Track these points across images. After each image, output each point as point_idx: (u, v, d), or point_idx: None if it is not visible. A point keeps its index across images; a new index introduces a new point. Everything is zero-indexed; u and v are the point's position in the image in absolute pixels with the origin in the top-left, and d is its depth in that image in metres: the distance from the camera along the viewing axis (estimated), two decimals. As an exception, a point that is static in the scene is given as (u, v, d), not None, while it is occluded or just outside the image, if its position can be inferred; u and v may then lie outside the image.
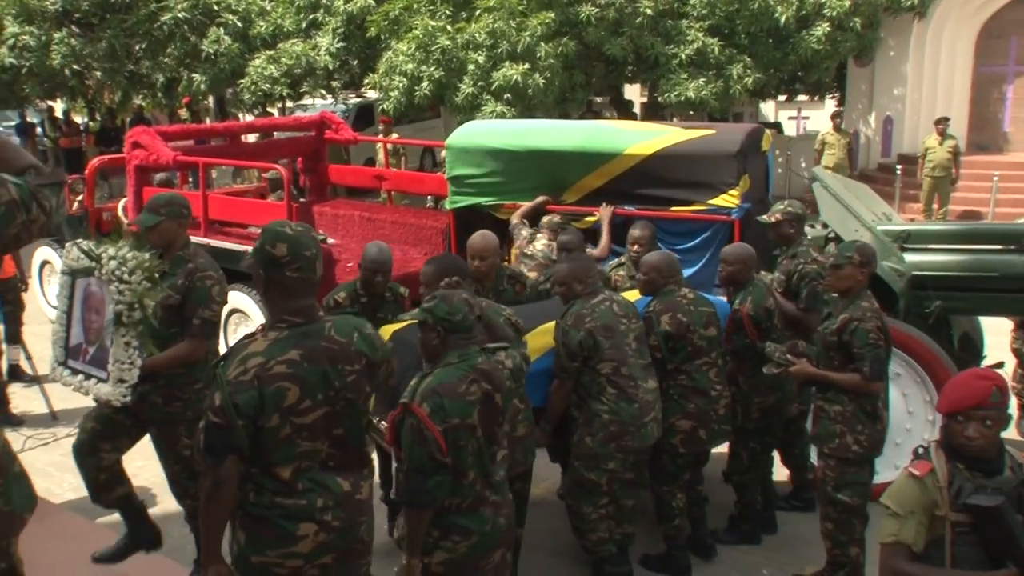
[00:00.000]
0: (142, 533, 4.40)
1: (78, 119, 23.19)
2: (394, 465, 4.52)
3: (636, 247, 5.59)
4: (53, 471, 5.58)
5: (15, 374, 7.82)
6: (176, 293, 4.03)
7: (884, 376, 4.32)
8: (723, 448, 5.21)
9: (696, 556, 4.91)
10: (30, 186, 2.28)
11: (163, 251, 4.09)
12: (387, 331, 4.24)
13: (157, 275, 3.95)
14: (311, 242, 2.88)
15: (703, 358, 4.70)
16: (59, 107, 23.35)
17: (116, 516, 4.53)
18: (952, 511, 2.69)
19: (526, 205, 6.48)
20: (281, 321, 2.83)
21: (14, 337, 7.72)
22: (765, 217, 5.58)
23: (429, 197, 11.72)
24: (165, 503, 5.22)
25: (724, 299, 5.27)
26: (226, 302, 4.34)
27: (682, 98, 13.21)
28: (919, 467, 2.77)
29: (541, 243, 5.98)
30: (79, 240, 4.14)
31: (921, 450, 2.86)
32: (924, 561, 2.74)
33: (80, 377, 4.09)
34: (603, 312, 4.42)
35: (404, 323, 4.33)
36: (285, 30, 15.43)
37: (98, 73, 16.60)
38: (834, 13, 13.60)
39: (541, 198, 6.48)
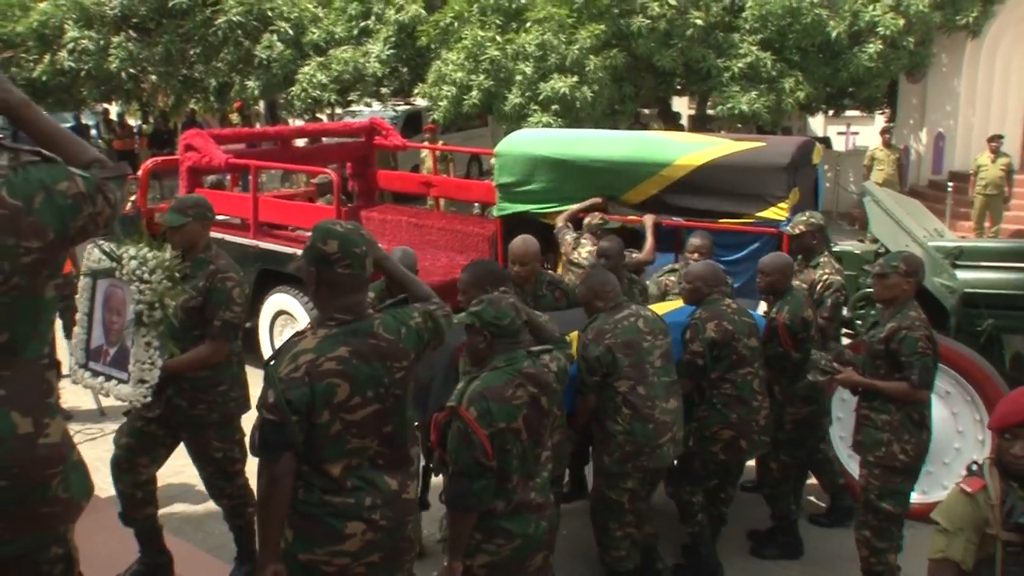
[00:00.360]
0: (156, 558, 4.41)
1: (132, 122, 23.67)
2: (421, 463, 4.54)
3: (696, 255, 5.57)
4: (100, 466, 5.65)
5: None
6: (197, 295, 4.04)
7: (932, 385, 4.30)
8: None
9: None
10: (96, 179, 2.34)
11: (185, 252, 4.09)
12: None
13: (178, 275, 3.92)
14: (361, 240, 2.90)
15: (746, 368, 4.66)
16: (114, 110, 23.84)
17: (163, 510, 4.59)
18: (1004, 530, 2.67)
19: (574, 207, 6.48)
20: (331, 319, 2.86)
21: (70, 332, 7.89)
22: (788, 228, 5.56)
23: (476, 204, 11.77)
24: (208, 502, 5.32)
25: (760, 312, 5.25)
26: (246, 304, 4.31)
27: (735, 111, 13.14)
28: (971, 484, 2.75)
29: (586, 249, 5.98)
30: (100, 241, 4.07)
31: (975, 467, 2.84)
32: None
33: (101, 379, 4.05)
34: (626, 328, 4.32)
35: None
36: (337, 37, 15.64)
37: (153, 77, 16.97)
38: (887, 31, 13.43)
39: (591, 201, 6.48)
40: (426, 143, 14.09)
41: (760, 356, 4.78)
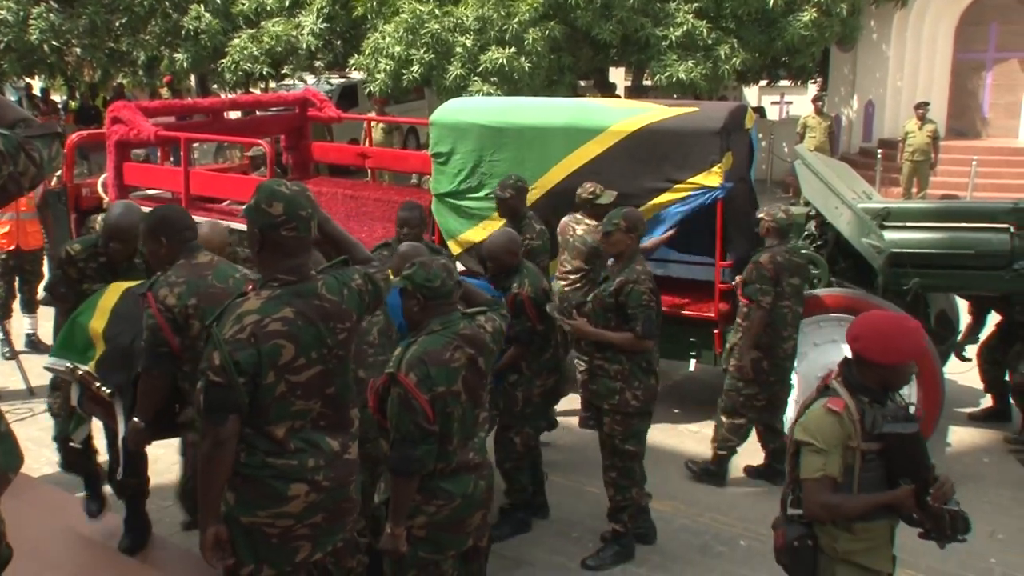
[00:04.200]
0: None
1: (57, 98, 22.94)
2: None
3: (405, 229, 5.12)
4: (31, 446, 5.55)
5: (33, 344, 7.95)
6: None
7: (655, 335, 4.55)
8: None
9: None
10: (18, 138, 2.27)
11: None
12: (120, 287, 4.10)
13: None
14: (307, 202, 2.88)
15: None
16: (37, 85, 23.08)
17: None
18: (863, 441, 2.88)
19: None
20: (274, 279, 2.84)
21: (29, 306, 7.90)
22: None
23: (413, 175, 11.71)
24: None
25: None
26: None
27: (673, 79, 13.22)
28: (835, 403, 2.92)
29: (581, 227, 5.97)
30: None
31: (826, 387, 3.02)
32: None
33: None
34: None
35: (139, 282, 4.11)
36: (268, 8, 15.31)
37: (78, 50, 16.43)
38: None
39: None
40: (372, 114, 13.94)
41: None
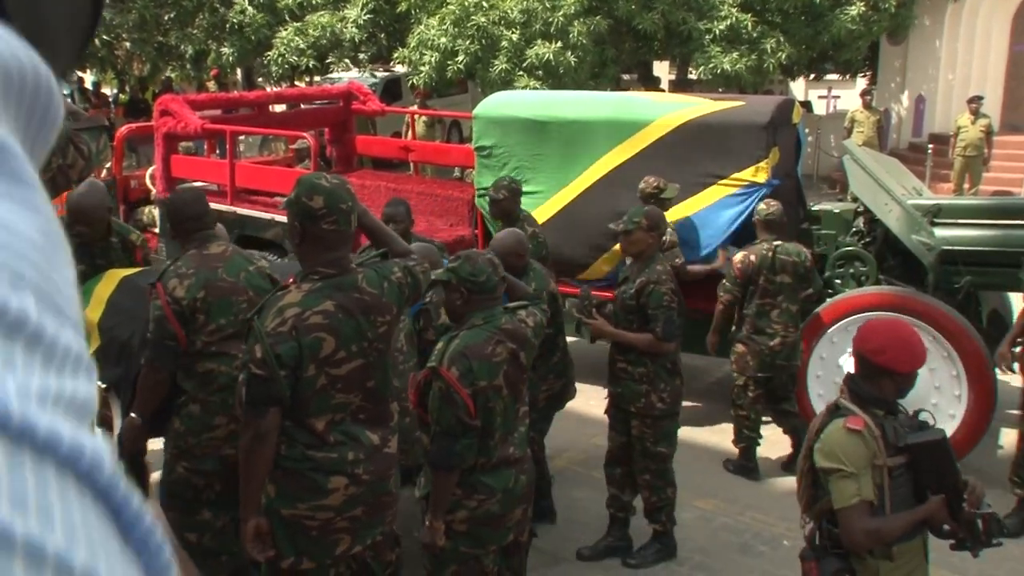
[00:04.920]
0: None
1: (108, 91, 23.32)
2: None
3: (391, 225, 4.83)
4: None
5: None
6: None
7: (676, 336, 4.50)
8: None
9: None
10: (66, 131, 2.29)
11: None
12: (116, 276, 4.01)
13: None
14: (347, 195, 2.89)
15: None
16: (88, 78, 23.49)
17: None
18: (888, 457, 2.73)
19: None
20: (314, 272, 2.85)
21: None
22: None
23: (456, 168, 11.72)
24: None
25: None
26: None
27: (717, 71, 13.08)
28: (855, 422, 2.75)
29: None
30: None
31: (836, 407, 2.86)
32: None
33: None
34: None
35: (136, 270, 4.11)
36: (312, 2, 15.42)
37: (127, 44, 16.69)
38: (869, -7, 13.42)
39: None
40: (415, 107, 13.99)
41: None
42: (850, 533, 2.72)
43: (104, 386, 3.80)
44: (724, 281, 5.53)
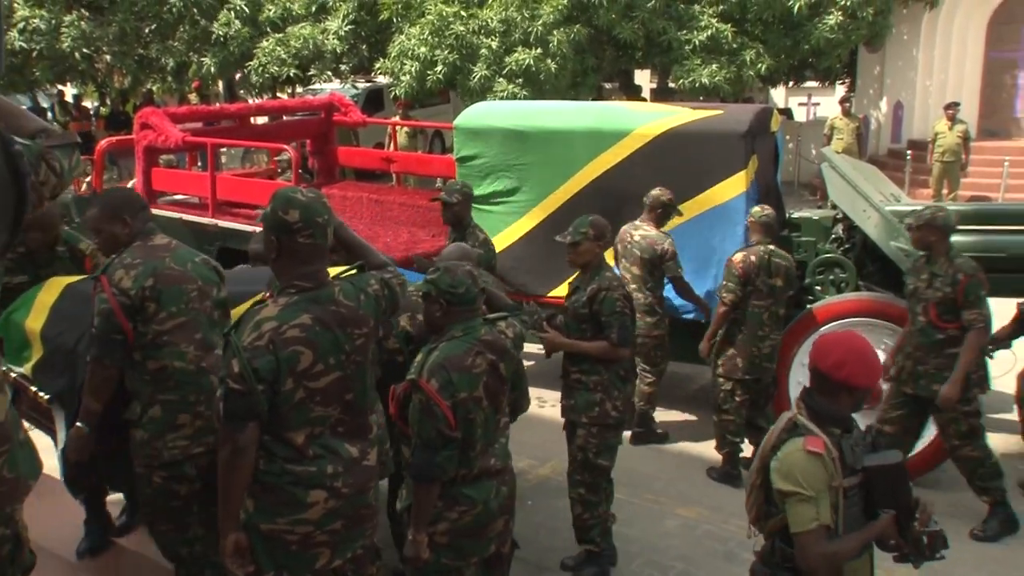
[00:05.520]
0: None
1: (88, 104, 23.23)
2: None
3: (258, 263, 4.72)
4: (54, 448, 5.60)
5: None
6: None
7: (630, 342, 4.46)
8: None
9: None
10: (38, 148, 2.29)
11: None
12: (60, 283, 3.90)
13: None
14: (323, 208, 2.89)
15: None
16: (69, 91, 23.39)
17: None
18: (844, 478, 2.70)
19: None
20: (291, 286, 2.85)
21: None
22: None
23: (438, 179, 11.74)
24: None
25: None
26: None
27: (696, 83, 13.16)
28: (815, 444, 2.68)
29: (639, 232, 5.94)
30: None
31: (794, 424, 2.78)
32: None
33: None
34: None
35: (82, 277, 3.97)
36: (294, 14, 15.44)
37: (108, 57, 16.64)
38: (847, 2, 13.54)
39: None
40: (397, 118, 14.00)
41: None
42: (807, 558, 2.69)
43: (47, 397, 3.67)
44: (725, 282, 5.52)
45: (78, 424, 3.49)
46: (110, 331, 3.36)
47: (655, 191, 5.95)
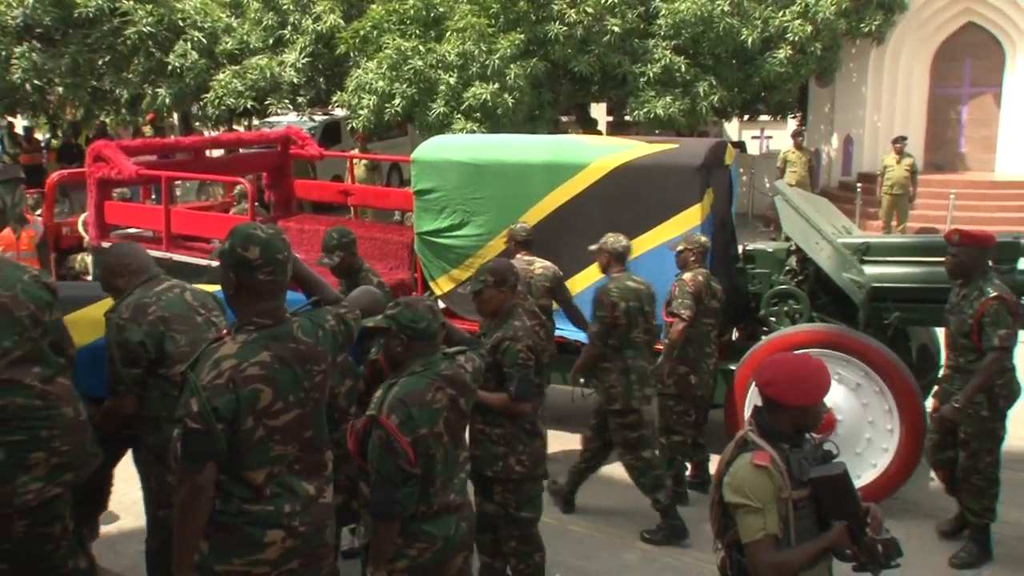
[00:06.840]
0: None
1: (40, 136, 22.87)
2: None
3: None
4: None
5: None
6: None
7: (531, 396, 4.19)
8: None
9: None
10: None
11: None
12: None
13: None
14: (283, 244, 2.88)
15: None
16: (19, 123, 23.02)
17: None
18: (793, 490, 2.79)
19: None
20: (250, 323, 2.82)
21: None
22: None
23: (396, 212, 11.74)
24: (119, 521, 5.25)
25: None
26: None
27: (651, 115, 13.36)
28: (762, 458, 2.78)
29: (538, 264, 5.93)
30: None
31: (744, 441, 2.87)
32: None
33: None
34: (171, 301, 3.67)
35: None
36: (251, 47, 15.40)
37: (60, 88, 16.43)
38: (796, 37, 13.96)
39: None
40: (355, 151, 14.00)
41: None
42: (756, 567, 2.79)
43: None
44: (680, 299, 5.50)
45: None
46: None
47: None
